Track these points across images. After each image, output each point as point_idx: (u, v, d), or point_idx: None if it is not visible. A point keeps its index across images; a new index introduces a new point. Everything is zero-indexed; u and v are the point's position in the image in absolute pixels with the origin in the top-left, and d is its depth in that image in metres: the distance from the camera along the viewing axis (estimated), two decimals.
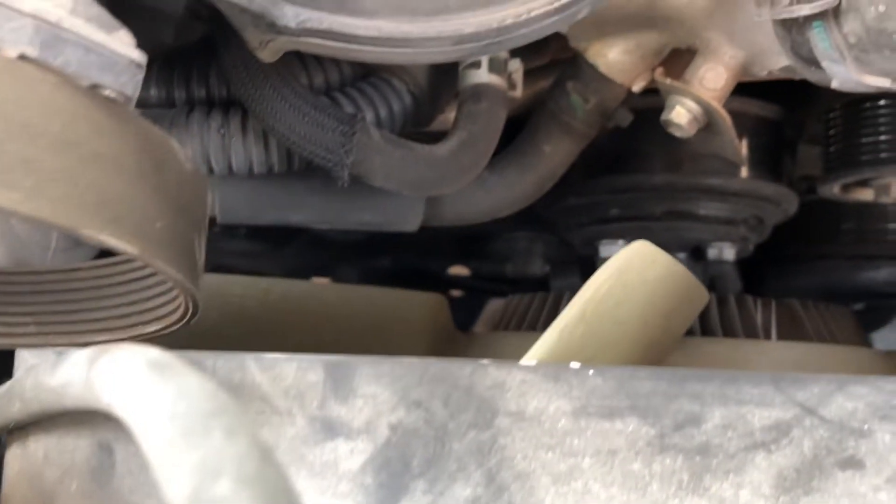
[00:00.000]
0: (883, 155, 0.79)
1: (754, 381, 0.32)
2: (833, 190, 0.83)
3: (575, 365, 0.34)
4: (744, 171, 0.80)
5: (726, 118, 0.57)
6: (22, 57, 0.32)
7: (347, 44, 0.43)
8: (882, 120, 0.79)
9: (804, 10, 0.46)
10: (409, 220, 0.69)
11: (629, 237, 0.83)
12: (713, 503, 0.32)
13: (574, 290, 1.35)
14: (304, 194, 0.66)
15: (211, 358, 0.40)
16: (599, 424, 0.33)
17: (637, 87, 0.64)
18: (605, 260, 0.89)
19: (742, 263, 1.01)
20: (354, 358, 0.38)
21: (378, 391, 0.37)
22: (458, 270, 1.60)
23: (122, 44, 0.35)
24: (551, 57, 0.77)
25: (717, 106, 0.56)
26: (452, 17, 0.44)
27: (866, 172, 0.79)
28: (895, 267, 1.08)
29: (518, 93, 0.64)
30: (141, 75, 0.37)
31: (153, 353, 0.28)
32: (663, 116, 0.59)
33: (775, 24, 0.50)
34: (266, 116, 0.57)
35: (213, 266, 1.28)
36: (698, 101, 0.56)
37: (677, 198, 0.78)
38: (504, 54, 0.62)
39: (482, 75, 0.61)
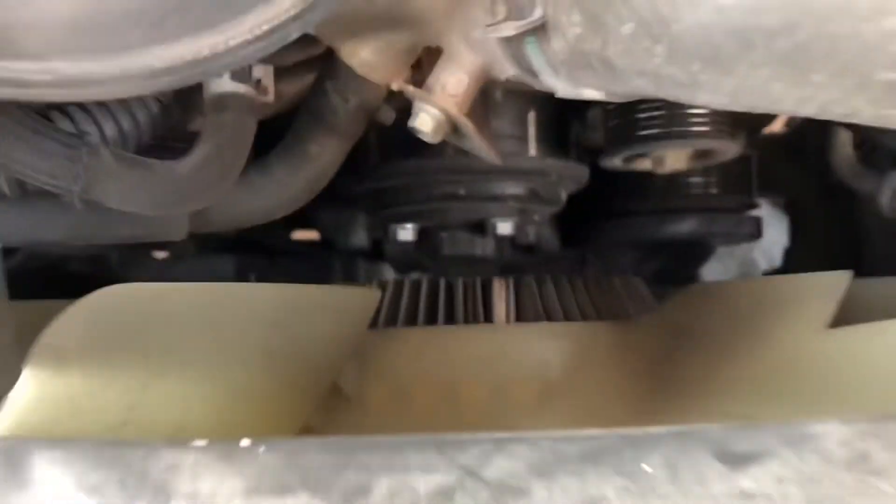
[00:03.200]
0: (656, 131, 0.81)
1: (418, 446, 0.32)
2: (615, 162, 0.86)
3: (245, 442, 0.33)
4: (526, 148, 0.81)
5: (468, 125, 0.56)
6: None
7: (20, 89, 0.39)
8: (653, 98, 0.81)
9: (509, 29, 0.45)
10: (174, 230, 0.66)
11: (412, 220, 0.84)
12: None
13: (407, 260, 1.34)
14: (52, 213, 0.62)
15: None
16: (272, 502, 0.33)
17: (396, 86, 0.63)
18: (401, 243, 0.90)
19: (564, 219, 1.04)
20: (30, 442, 0.36)
21: (55, 476, 0.35)
22: (306, 235, 1.58)
23: None
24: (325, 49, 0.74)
25: (458, 113, 0.55)
26: (139, 52, 0.41)
27: (641, 148, 0.82)
28: (697, 218, 1.14)
29: (270, 98, 0.61)
30: None
31: None
32: (409, 123, 0.58)
33: (497, 37, 0.50)
34: None
35: (26, 254, 1.20)
36: (440, 108, 0.56)
37: (445, 180, 0.80)
38: None
39: (224, 84, 0.58)
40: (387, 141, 0.85)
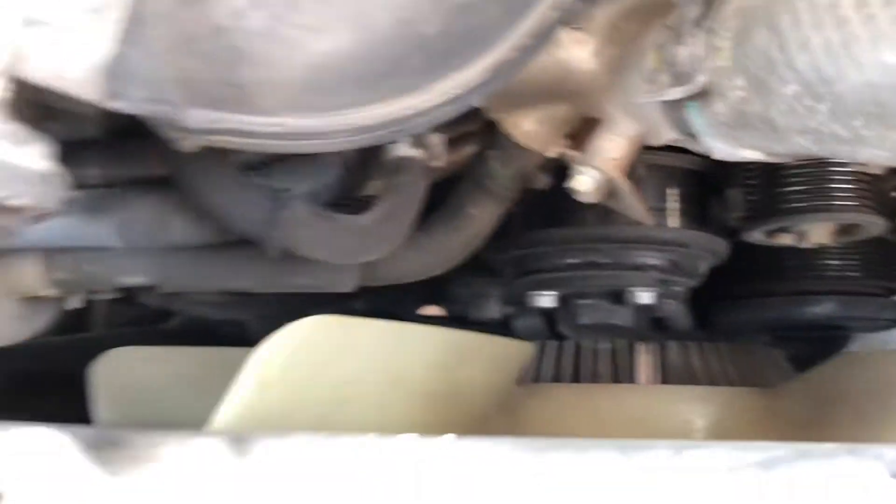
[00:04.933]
0: (800, 205, 0.83)
1: (602, 447, 0.36)
2: (756, 236, 0.87)
3: (449, 437, 0.37)
4: (666, 221, 0.85)
5: (625, 186, 0.61)
6: None
7: (254, 139, 0.47)
8: (798, 171, 0.83)
9: (676, 93, 0.50)
10: (345, 282, 0.72)
11: (551, 288, 0.87)
12: None
13: (536, 333, 1.37)
14: (243, 263, 0.70)
15: None
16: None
17: (551, 153, 0.68)
18: (538, 309, 0.94)
19: (694, 301, 1.05)
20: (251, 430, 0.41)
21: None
22: (432, 310, 1.64)
23: (33, 158, 0.38)
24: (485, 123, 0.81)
25: (617, 174, 0.60)
26: (351, 111, 0.47)
27: (784, 221, 0.84)
28: (836, 302, 1.12)
29: (441, 163, 0.68)
30: (58, 183, 0.41)
31: None
32: (568, 184, 0.63)
33: (658, 102, 0.54)
34: (198, 195, 0.61)
35: (186, 318, 1.31)
36: (600, 170, 0.60)
37: (587, 248, 0.83)
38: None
39: (404, 149, 0.65)
40: (530, 210, 0.90)
